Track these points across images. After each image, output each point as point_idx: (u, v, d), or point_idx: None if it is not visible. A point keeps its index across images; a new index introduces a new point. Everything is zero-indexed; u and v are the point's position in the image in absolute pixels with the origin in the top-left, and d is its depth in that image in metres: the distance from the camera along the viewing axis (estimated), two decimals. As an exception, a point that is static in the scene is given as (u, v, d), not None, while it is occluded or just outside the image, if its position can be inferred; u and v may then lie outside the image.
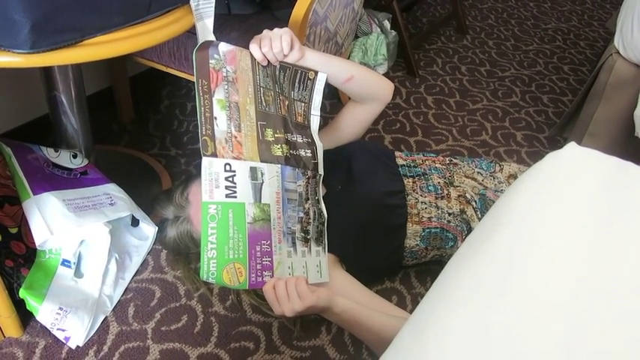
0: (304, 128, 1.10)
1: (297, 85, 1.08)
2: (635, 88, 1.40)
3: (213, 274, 0.93)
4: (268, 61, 1.04)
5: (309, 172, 1.08)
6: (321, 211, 1.09)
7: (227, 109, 0.99)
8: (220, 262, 0.93)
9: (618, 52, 1.52)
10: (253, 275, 0.96)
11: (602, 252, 0.55)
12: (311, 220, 1.06)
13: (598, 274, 0.53)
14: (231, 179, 0.96)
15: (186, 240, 1.12)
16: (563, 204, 0.61)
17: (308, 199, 1.07)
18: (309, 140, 1.10)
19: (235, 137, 0.99)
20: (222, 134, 0.98)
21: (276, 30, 1.03)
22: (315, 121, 1.12)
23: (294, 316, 0.94)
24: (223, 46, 0.99)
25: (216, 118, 0.97)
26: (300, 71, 1.07)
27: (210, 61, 0.98)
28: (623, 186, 0.63)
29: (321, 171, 1.10)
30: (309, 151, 1.09)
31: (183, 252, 1.16)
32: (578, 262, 0.55)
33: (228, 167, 0.97)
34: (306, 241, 1.05)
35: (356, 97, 1.22)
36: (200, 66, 0.97)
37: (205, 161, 0.95)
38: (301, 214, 1.05)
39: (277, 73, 1.06)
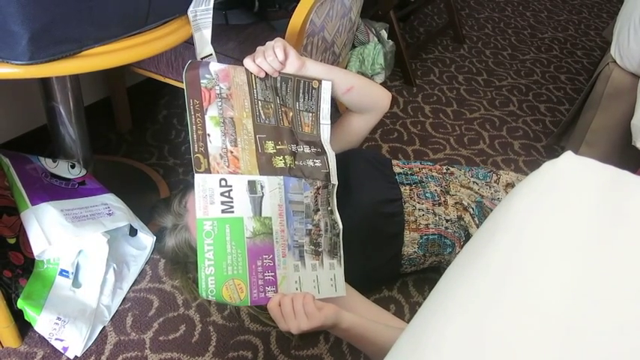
0: (313, 138, 1.09)
1: (301, 95, 1.08)
2: (632, 97, 1.40)
3: (212, 292, 0.91)
4: (266, 74, 1.04)
5: (319, 183, 1.06)
6: (335, 222, 1.06)
7: (221, 125, 0.98)
8: (219, 279, 0.91)
9: (615, 62, 1.53)
10: (255, 291, 0.94)
11: (599, 261, 0.55)
12: (322, 232, 1.04)
13: (594, 283, 0.53)
14: (227, 194, 0.96)
15: (184, 248, 1.12)
16: (559, 213, 0.61)
17: (318, 210, 1.05)
18: (319, 150, 1.08)
19: (231, 152, 0.99)
20: (216, 150, 0.97)
21: (267, 42, 1.03)
22: (325, 130, 1.10)
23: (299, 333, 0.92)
24: (214, 66, 0.99)
25: (209, 135, 0.97)
26: (303, 81, 1.06)
27: (202, 81, 0.98)
28: (620, 195, 0.63)
29: (334, 181, 1.08)
30: (317, 160, 1.07)
31: (182, 260, 1.16)
32: (575, 271, 0.55)
33: (223, 182, 0.96)
34: (317, 254, 1.02)
35: (354, 108, 1.22)
36: (191, 86, 0.96)
37: (199, 178, 0.94)
38: (310, 226, 1.03)
39: (278, 85, 1.05)
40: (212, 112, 0.98)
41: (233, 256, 0.93)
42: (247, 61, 1.02)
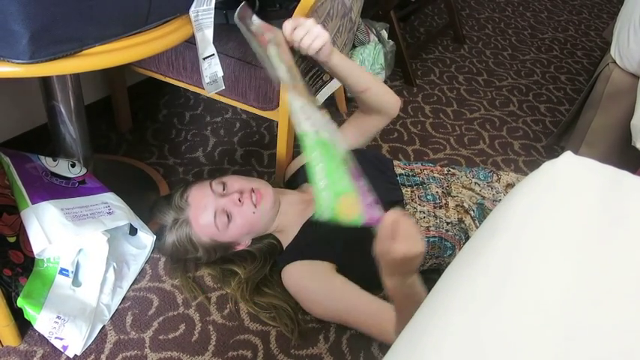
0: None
1: (307, 79, 1.06)
2: (632, 97, 1.40)
3: (330, 207, 0.83)
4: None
5: None
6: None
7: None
8: (334, 192, 0.83)
9: (615, 62, 1.53)
10: (366, 208, 0.85)
11: (598, 261, 0.56)
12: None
13: (594, 282, 0.54)
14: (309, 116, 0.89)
15: (185, 242, 1.13)
16: (558, 213, 0.61)
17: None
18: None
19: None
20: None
21: (317, 29, 0.98)
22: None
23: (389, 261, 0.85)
24: (256, 19, 0.97)
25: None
26: (317, 68, 1.03)
27: (251, 27, 0.96)
28: (619, 195, 0.63)
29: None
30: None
31: (182, 256, 1.16)
32: (574, 271, 0.55)
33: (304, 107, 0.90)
34: None
35: (366, 109, 1.23)
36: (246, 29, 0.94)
37: (290, 95, 0.89)
38: None
39: (296, 57, 1.01)
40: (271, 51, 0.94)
41: (339, 172, 0.85)
42: (287, 26, 0.98)
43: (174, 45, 0.91)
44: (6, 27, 0.69)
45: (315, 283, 1.10)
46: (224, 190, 1.14)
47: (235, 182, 1.15)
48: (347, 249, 1.12)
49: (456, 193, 1.21)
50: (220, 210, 1.11)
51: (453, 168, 1.29)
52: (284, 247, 1.20)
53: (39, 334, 1.04)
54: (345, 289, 1.09)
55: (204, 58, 0.99)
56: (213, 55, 1.01)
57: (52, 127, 1.22)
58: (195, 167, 1.55)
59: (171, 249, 1.15)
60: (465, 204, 1.18)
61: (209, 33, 0.97)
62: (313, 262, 1.12)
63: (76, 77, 1.17)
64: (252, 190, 1.14)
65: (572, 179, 0.66)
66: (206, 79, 1.02)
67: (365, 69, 1.60)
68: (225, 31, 1.32)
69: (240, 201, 1.12)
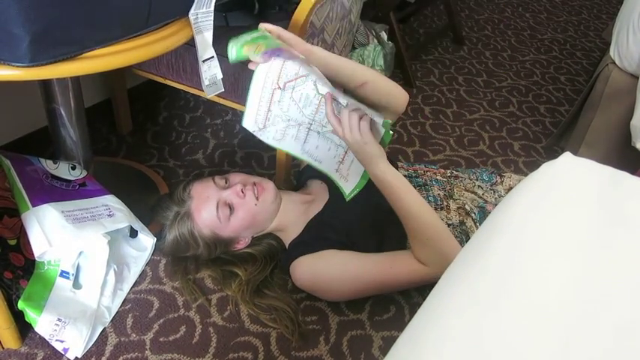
0: None
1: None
2: (631, 97, 1.40)
3: (238, 47, 0.97)
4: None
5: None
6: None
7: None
8: (247, 42, 0.97)
9: (614, 63, 1.53)
10: (268, 54, 0.97)
11: (597, 261, 0.56)
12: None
13: (593, 283, 0.54)
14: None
15: (186, 237, 1.14)
16: (558, 214, 0.61)
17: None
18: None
19: None
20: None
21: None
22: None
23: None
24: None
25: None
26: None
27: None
28: (618, 196, 0.63)
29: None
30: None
31: (183, 251, 1.17)
32: (574, 271, 0.55)
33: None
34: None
35: (370, 104, 1.21)
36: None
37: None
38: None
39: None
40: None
41: (261, 40, 0.98)
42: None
43: (174, 47, 0.91)
44: (6, 30, 0.69)
45: (328, 268, 1.12)
46: (226, 183, 1.16)
47: (237, 176, 1.19)
48: (348, 235, 1.12)
49: (458, 196, 1.21)
50: (222, 202, 1.13)
51: (457, 170, 1.29)
52: (286, 246, 1.21)
53: (40, 336, 1.04)
54: (357, 258, 1.10)
55: (203, 61, 1.00)
56: (213, 57, 1.01)
57: (53, 130, 1.22)
58: (195, 169, 1.55)
59: (173, 244, 1.16)
60: (466, 206, 1.18)
61: (208, 35, 0.97)
62: (317, 252, 1.13)
63: (77, 80, 1.17)
64: (254, 184, 1.16)
65: (570, 180, 0.66)
66: (205, 82, 1.02)
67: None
68: (225, 34, 1.32)
69: (242, 192, 1.13)
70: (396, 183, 1.02)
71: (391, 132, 1.02)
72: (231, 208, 1.13)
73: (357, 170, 1.08)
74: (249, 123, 1.08)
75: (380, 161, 1.00)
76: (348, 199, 1.10)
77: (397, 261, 1.08)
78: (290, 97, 1.05)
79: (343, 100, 1.01)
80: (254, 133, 1.10)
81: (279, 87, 1.03)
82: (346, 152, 1.09)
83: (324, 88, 1.02)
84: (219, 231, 1.14)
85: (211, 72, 1.03)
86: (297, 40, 1.02)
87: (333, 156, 1.11)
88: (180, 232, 1.14)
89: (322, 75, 1.02)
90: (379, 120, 1.00)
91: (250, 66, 1.01)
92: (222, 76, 1.05)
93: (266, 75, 1.02)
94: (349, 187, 1.11)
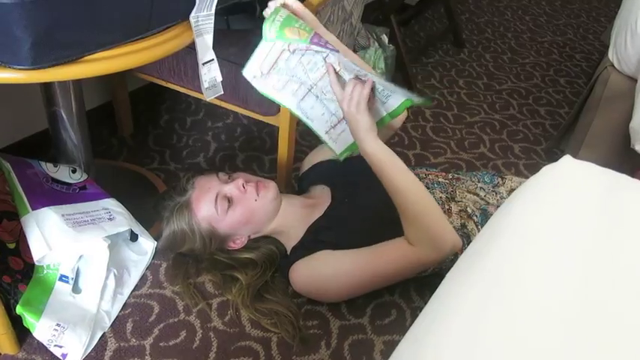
0: None
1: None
2: (630, 99, 1.41)
3: (277, 28, 0.99)
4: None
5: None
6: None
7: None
8: (285, 23, 0.99)
9: (613, 65, 1.53)
10: (316, 39, 0.99)
11: (596, 264, 0.56)
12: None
13: (594, 285, 0.53)
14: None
15: (183, 227, 1.15)
16: (558, 217, 0.61)
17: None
18: None
19: None
20: None
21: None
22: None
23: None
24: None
25: None
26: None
27: None
28: (617, 198, 0.63)
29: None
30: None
31: (179, 245, 1.17)
32: (575, 274, 0.55)
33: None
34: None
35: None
36: None
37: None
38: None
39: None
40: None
41: (300, 24, 1.02)
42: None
43: (175, 51, 0.91)
44: (8, 33, 0.69)
45: (323, 268, 1.12)
46: (229, 179, 1.18)
47: (241, 174, 1.21)
48: (347, 239, 1.13)
49: (460, 198, 1.21)
50: (222, 194, 1.14)
51: (458, 173, 1.29)
52: (287, 250, 1.21)
53: (38, 342, 1.03)
54: (349, 254, 1.11)
55: (203, 63, 1.00)
56: (213, 60, 1.01)
57: (54, 133, 1.22)
58: (196, 173, 1.55)
59: (170, 235, 1.17)
60: (468, 209, 1.18)
61: (209, 38, 0.97)
62: (312, 255, 1.12)
63: (78, 83, 1.17)
64: (257, 182, 1.18)
65: (571, 183, 0.66)
66: (205, 84, 1.02)
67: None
68: (226, 37, 1.32)
69: (243, 187, 1.15)
70: (385, 158, 1.03)
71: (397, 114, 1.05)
72: (230, 201, 1.13)
73: (348, 138, 1.10)
74: (252, 68, 1.08)
75: (370, 136, 1.02)
76: (342, 159, 1.14)
77: (388, 248, 1.09)
78: (299, 60, 1.06)
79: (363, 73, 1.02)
80: (253, 82, 1.10)
81: (289, 50, 1.04)
82: (339, 121, 1.11)
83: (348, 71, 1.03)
84: (216, 224, 1.14)
85: (211, 75, 1.03)
86: (318, 24, 1.08)
87: (325, 120, 1.13)
88: (177, 223, 1.15)
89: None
90: (396, 101, 1.02)
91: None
92: (221, 79, 1.04)
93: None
94: (339, 148, 1.14)
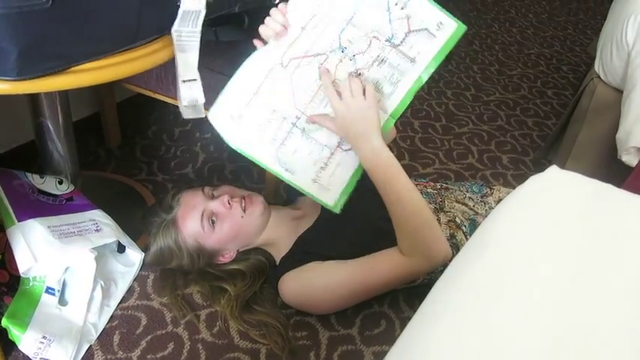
0: None
1: None
2: (617, 111, 1.43)
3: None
4: None
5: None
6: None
7: None
8: None
9: (599, 77, 1.56)
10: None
11: (583, 274, 0.56)
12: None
13: (580, 294, 0.54)
14: None
15: (170, 245, 1.13)
16: (544, 226, 0.62)
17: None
18: None
19: None
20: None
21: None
22: None
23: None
24: None
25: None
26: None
27: None
28: (604, 208, 0.64)
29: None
30: None
31: (167, 261, 1.16)
32: (561, 283, 0.55)
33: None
34: None
35: None
36: None
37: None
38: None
39: None
40: None
41: None
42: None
43: (163, 62, 0.91)
44: (-7, 44, 0.69)
45: (313, 279, 1.11)
46: (215, 194, 1.16)
47: (227, 188, 1.20)
48: (336, 252, 1.12)
49: (449, 209, 1.21)
50: (208, 211, 1.13)
51: (446, 183, 1.29)
52: (277, 261, 1.20)
53: (23, 355, 1.01)
54: (339, 265, 1.10)
55: (184, 81, 0.94)
56: (196, 80, 0.95)
57: (40, 144, 1.21)
58: (184, 184, 1.54)
59: (157, 252, 1.16)
60: (457, 219, 1.19)
61: (193, 56, 0.92)
62: (301, 267, 1.12)
63: (64, 94, 1.17)
64: (243, 197, 1.16)
65: (557, 193, 0.67)
66: (184, 102, 0.95)
67: None
68: (215, 48, 1.33)
69: (229, 204, 1.13)
70: (389, 162, 1.01)
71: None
72: (216, 218, 1.13)
73: (344, 173, 1.04)
74: (222, 109, 0.98)
75: (377, 135, 0.99)
76: (338, 211, 1.06)
77: (379, 260, 1.08)
78: (289, 78, 0.99)
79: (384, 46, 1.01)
80: (220, 129, 1.00)
81: (282, 63, 0.98)
82: (332, 153, 1.03)
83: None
84: (203, 240, 1.13)
85: (192, 95, 0.95)
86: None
87: (313, 162, 1.03)
88: (164, 240, 1.14)
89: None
90: (403, 89, 1.05)
91: (256, 43, 0.98)
92: (204, 101, 0.96)
93: (273, 46, 0.98)
94: (332, 197, 1.05)
